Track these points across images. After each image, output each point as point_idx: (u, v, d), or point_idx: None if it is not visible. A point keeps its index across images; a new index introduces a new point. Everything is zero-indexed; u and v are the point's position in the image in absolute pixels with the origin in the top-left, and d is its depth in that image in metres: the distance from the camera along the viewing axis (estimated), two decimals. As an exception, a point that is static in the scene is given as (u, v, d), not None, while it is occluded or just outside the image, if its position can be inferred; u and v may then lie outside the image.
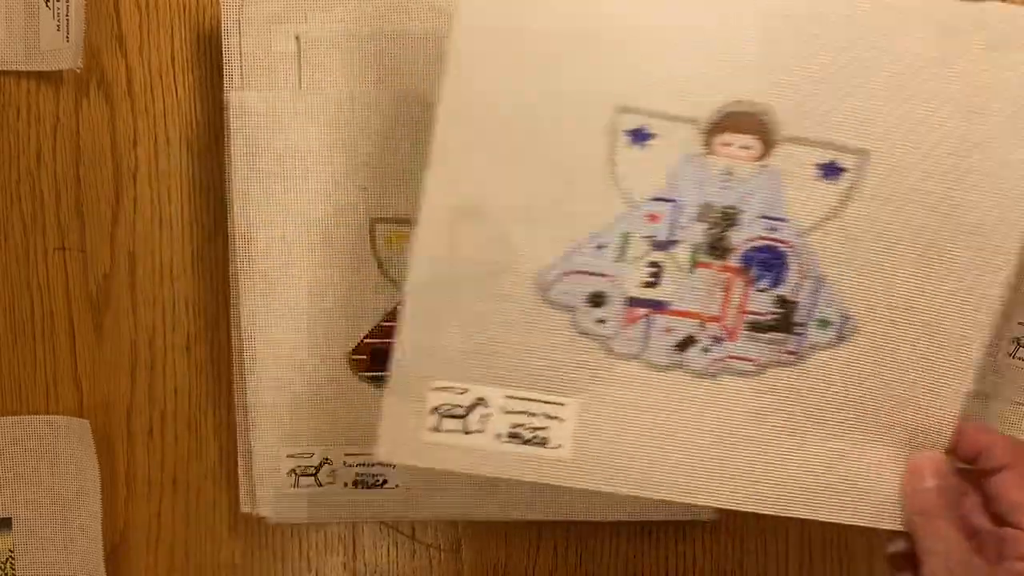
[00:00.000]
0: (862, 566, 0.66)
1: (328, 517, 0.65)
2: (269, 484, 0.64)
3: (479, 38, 0.50)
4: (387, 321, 0.63)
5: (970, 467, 0.52)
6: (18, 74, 0.65)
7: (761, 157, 0.51)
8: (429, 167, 0.50)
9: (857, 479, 0.53)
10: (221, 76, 0.63)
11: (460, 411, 0.53)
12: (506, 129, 0.51)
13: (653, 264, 0.52)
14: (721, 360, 0.53)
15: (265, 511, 0.65)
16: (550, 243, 0.52)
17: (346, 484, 0.64)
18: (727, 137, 0.51)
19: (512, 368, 0.52)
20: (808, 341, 0.53)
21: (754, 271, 0.52)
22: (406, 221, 0.62)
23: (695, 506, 0.64)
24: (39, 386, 0.67)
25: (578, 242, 0.52)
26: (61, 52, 0.64)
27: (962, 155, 0.51)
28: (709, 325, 0.53)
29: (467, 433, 0.53)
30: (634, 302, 0.52)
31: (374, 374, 0.63)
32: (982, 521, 0.52)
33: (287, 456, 0.64)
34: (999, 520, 0.51)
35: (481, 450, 0.53)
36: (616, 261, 0.52)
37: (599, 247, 0.52)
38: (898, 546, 0.53)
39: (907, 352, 0.52)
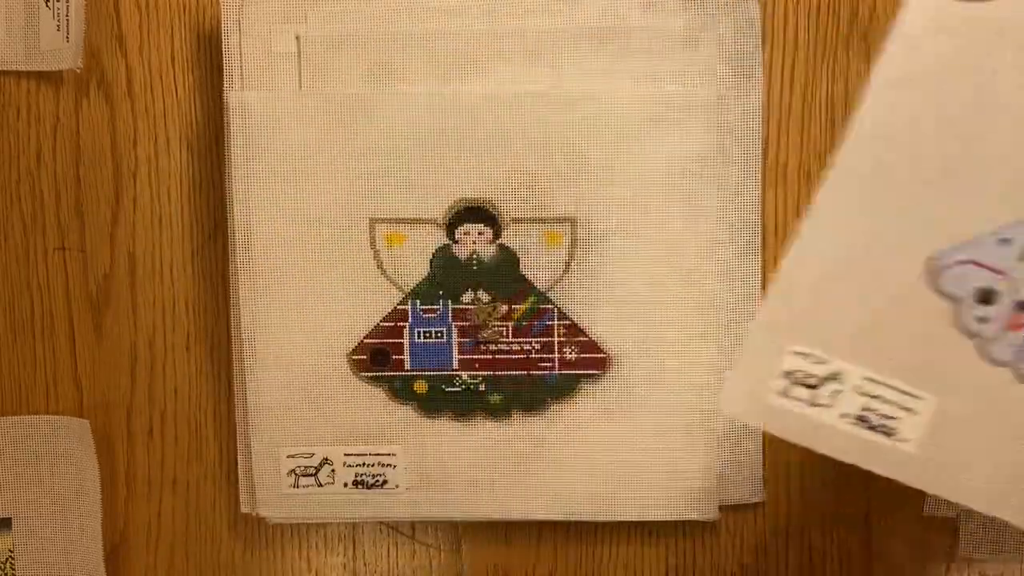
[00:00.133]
0: (862, 567, 0.66)
1: (328, 517, 0.66)
2: (269, 484, 0.64)
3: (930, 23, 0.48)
4: (387, 321, 0.63)
5: None
6: (18, 74, 0.65)
7: None
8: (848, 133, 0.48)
9: None
10: (221, 76, 0.63)
11: (812, 380, 0.50)
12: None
13: None
14: None
15: (265, 511, 0.65)
16: (949, 226, 0.49)
17: (346, 484, 0.64)
18: None
19: (879, 350, 0.50)
20: None
21: None
22: (406, 221, 0.62)
23: (700, 506, 0.64)
24: (39, 386, 0.67)
25: (980, 232, 0.49)
26: (61, 52, 0.64)
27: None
28: None
29: (813, 405, 0.50)
30: None
31: (374, 374, 0.63)
32: None
33: (287, 456, 0.64)
34: None
35: (825, 426, 0.50)
36: (1020, 260, 0.49)
37: (1002, 241, 0.49)
38: None
39: None
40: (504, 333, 0.63)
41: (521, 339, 0.63)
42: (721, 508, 0.65)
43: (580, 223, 0.62)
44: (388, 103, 0.62)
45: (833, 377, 0.50)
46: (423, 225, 0.62)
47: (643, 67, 0.61)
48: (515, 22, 0.62)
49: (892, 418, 0.50)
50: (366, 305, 0.63)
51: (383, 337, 0.63)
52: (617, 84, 0.61)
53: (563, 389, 0.63)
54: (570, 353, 0.63)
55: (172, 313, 0.66)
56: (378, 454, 0.64)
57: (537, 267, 0.62)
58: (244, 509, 0.66)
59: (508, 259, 0.62)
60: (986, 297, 0.50)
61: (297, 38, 0.62)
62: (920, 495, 0.65)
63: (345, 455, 0.64)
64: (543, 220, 0.62)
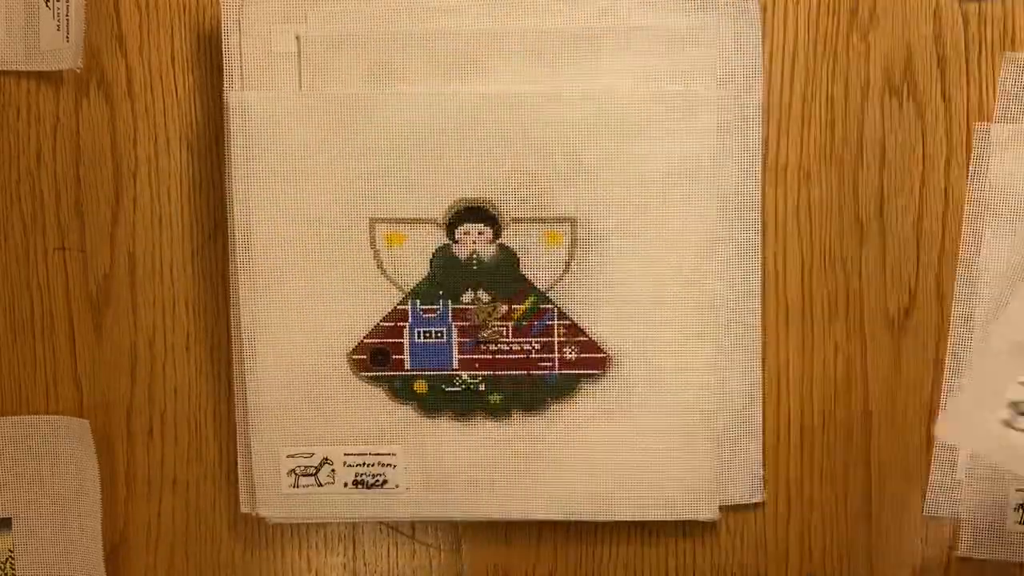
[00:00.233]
0: (863, 566, 0.66)
1: (328, 517, 0.66)
2: (269, 484, 0.64)
3: None
4: (387, 321, 0.63)
5: None
6: (18, 74, 0.65)
7: None
8: None
9: None
10: (221, 76, 0.63)
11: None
12: None
13: None
14: None
15: (265, 511, 0.65)
16: None
17: (346, 484, 0.64)
18: None
19: None
20: None
21: None
22: (406, 221, 0.62)
23: (700, 506, 0.64)
24: (39, 386, 0.67)
25: None
26: (61, 52, 0.64)
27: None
28: None
29: None
30: None
31: (374, 374, 0.63)
32: None
33: (287, 456, 0.64)
34: None
35: None
36: None
37: None
38: None
39: None
40: (504, 333, 0.63)
41: (521, 339, 0.63)
42: (721, 508, 0.65)
43: (580, 223, 0.62)
44: (388, 103, 0.62)
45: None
46: (423, 225, 0.62)
47: (643, 67, 0.61)
48: (515, 22, 0.62)
49: None
50: (366, 305, 0.63)
51: (383, 337, 0.63)
52: (617, 84, 0.61)
53: (563, 389, 0.63)
54: (570, 353, 0.63)
55: (172, 313, 0.66)
56: (378, 454, 0.64)
57: (537, 267, 0.62)
58: (244, 509, 0.66)
59: (508, 259, 0.62)
60: None
61: (297, 38, 0.62)
62: (920, 495, 0.65)
63: (345, 455, 0.64)
64: (543, 220, 0.62)
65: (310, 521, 0.66)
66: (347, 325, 0.63)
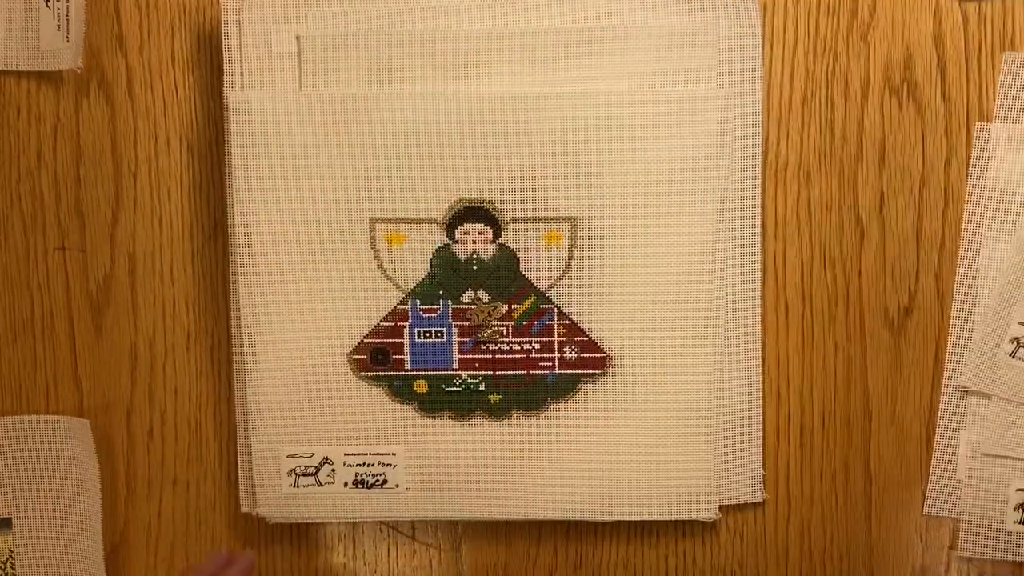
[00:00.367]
0: (863, 566, 0.66)
1: (328, 517, 0.66)
2: (269, 484, 0.64)
3: None
4: (387, 321, 0.63)
5: None
6: (18, 74, 0.65)
7: None
8: None
9: None
10: (221, 76, 0.63)
11: None
12: None
13: None
14: None
15: (265, 511, 0.65)
16: None
17: (346, 484, 0.64)
18: None
19: None
20: None
21: None
22: (406, 221, 0.62)
23: (700, 506, 0.64)
24: (39, 386, 0.67)
25: None
26: (61, 52, 0.64)
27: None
28: None
29: None
30: None
31: (374, 374, 0.63)
32: None
33: (287, 456, 0.64)
34: None
35: None
36: None
37: None
38: None
39: None
40: (504, 333, 0.63)
41: (521, 339, 0.63)
42: (721, 508, 0.65)
43: (580, 223, 0.62)
44: (388, 103, 0.62)
45: None
46: (423, 225, 0.62)
47: (643, 67, 0.61)
48: (515, 22, 0.62)
49: None
50: (366, 305, 0.63)
51: (383, 337, 0.63)
52: (617, 84, 0.61)
53: (563, 389, 0.63)
54: (570, 353, 0.63)
55: (172, 313, 0.66)
56: (378, 454, 0.64)
57: (537, 267, 0.62)
58: (244, 509, 0.66)
59: (508, 259, 0.62)
60: None
61: (297, 38, 0.62)
62: (920, 495, 0.65)
63: (345, 455, 0.64)
64: (543, 220, 0.62)
65: (310, 521, 0.66)
66: (347, 325, 0.63)
